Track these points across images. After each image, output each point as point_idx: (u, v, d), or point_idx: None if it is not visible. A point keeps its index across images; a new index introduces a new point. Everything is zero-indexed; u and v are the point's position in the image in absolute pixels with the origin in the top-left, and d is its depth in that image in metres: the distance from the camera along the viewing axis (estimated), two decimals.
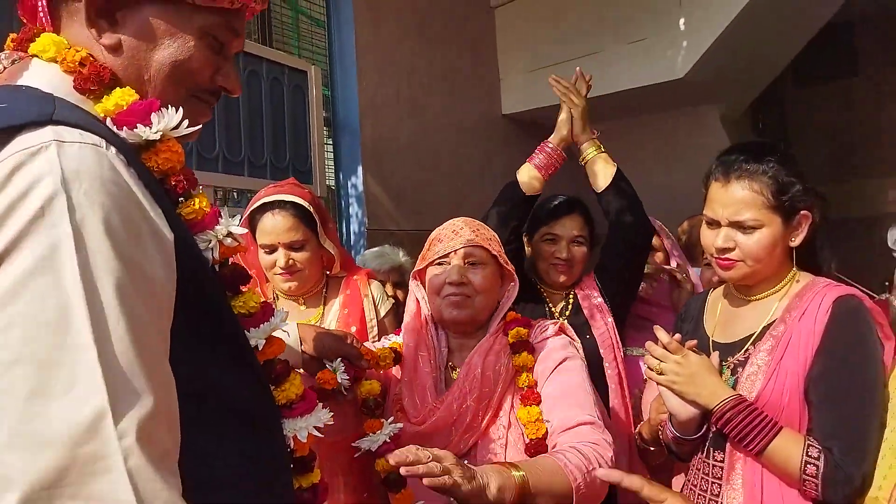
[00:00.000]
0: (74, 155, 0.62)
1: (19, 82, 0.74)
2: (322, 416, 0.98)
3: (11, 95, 0.70)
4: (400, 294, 2.49)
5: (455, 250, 1.43)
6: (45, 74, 0.75)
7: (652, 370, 1.35)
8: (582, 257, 2.01)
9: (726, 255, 1.33)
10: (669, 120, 4.92)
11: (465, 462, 1.31)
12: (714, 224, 1.36)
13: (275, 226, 1.71)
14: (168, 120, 0.75)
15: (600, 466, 1.19)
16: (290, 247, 1.72)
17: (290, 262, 1.72)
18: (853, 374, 1.20)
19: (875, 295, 1.60)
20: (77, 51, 0.75)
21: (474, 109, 4.71)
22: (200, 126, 0.82)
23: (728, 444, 1.30)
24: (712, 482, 1.33)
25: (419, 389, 1.41)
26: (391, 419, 1.36)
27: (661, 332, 1.36)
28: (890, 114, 6.62)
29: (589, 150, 1.98)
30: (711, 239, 1.36)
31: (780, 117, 6.71)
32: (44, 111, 0.64)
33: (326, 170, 3.52)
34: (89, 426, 0.54)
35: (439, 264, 1.45)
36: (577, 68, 2.06)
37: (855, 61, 6.94)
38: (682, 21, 4.13)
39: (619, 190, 1.93)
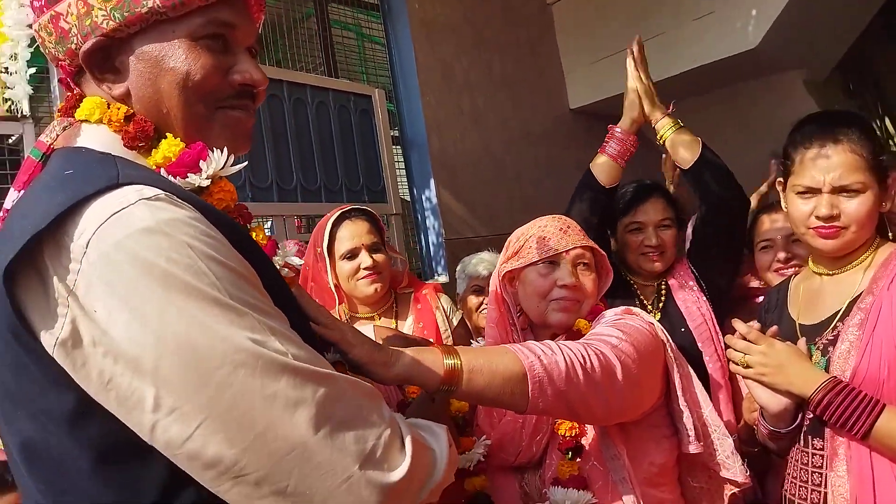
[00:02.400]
0: (162, 206, 0.65)
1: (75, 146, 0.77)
2: None
3: (76, 159, 0.73)
4: None
5: (567, 251, 1.32)
6: (97, 136, 0.77)
7: (737, 364, 1.29)
8: (672, 240, 1.89)
9: (832, 224, 1.26)
10: (748, 92, 4.67)
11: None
12: (811, 192, 1.29)
13: (356, 229, 1.84)
14: (216, 163, 0.77)
15: (586, 361, 1.05)
16: (371, 248, 1.83)
17: (374, 262, 1.81)
18: None
19: None
20: (118, 108, 0.77)
21: (540, 109, 4.67)
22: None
23: (827, 430, 1.23)
24: (813, 472, 1.25)
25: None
26: (483, 436, 1.29)
27: (738, 324, 1.30)
28: None
29: (666, 128, 1.83)
30: (809, 209, 1.29)
31: (873, 75, 6.20)
32: (111, 176, 0.67)
33: (399, 186, 3.60)
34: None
35: (551, 263, 1.32)
36: (637, 38, 1.93)
37: None
38: None
39: (707, 163, 1.77)
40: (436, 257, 3.82)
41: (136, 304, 0.61)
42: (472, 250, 2.92)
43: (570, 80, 4.92)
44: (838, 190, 1.25)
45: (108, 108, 0.78)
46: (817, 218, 1.27)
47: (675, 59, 4.22)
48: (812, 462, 1.26)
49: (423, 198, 3.86)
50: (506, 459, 1.30)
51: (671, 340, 1.28)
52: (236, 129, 0.83)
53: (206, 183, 0.77)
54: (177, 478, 0.65)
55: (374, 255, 1.82)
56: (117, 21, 0.74)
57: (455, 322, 1.93)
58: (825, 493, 1.23)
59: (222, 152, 0.78)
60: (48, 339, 0.63)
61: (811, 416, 1.26)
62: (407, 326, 1.87)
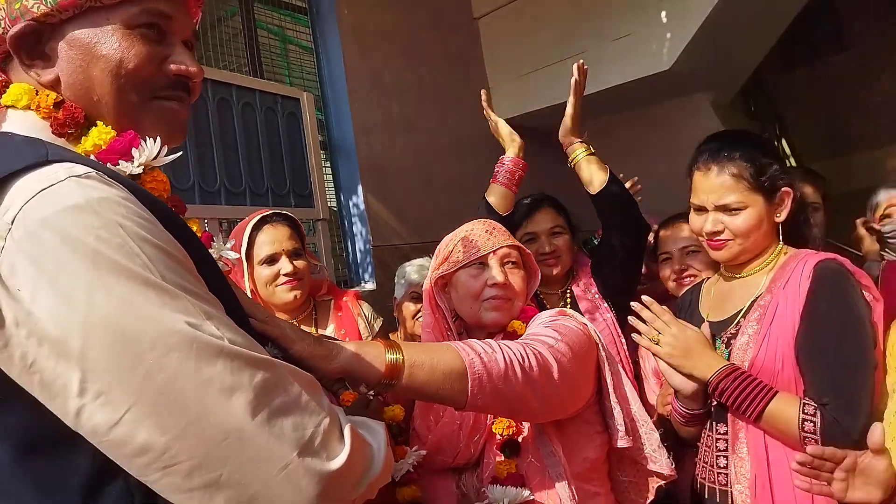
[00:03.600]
0: (93, 185, 0.63)
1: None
2: None
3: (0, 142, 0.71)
4: None
5: (494, 251, 1.36)
6: (24, 122, 0.75)
7: (648, 340, 1.37)
8: (566, 245, 2.03)
9: (717, 238, 1.41)
10: (662, 111, 4.94)
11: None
12: (701, 210, 1.44)
13: (277, 234, 1.81)
14: (148, 152, 0.75)
15: (524, 360, 1.09)
16: (292, 254, 1.81)
17: (294, 269, 1.79)
18: (838, 330, 1.24)
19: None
20: (47, 94, 0.75)
21: (467, 120, 4.75)
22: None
23: (729, 416, 1.33)
24: (717, 455, 1.36)
25: (434, 410, 1.33)
26: (415, 447, 1.29)
27: (654, 304, 1.39)
28: (882, 86, 6.62)
29: (577, 152, 1.91)
30: (700, 224, 1.44)
31: (771, 99, 6.72)
32: (39, 153, 0.65)
33: (327, 192, 3.57)
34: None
35: (480, 265, 1.36)
36: (579, 62, 2.03)
37: (841, 36, 6.95)
38: (663, 14, 4.16)
39: (612, 189, 1.87)
40: (363, 264, 3.80)
41: (63, 284, 0.59)
42: (399, 258, 2.94)
43: (496, 93, 5.02)
44: (721, 208, 1.39)
45: (37, 94, 0.76)
46: (706, 232, 1.42)
47: (595, 78, 4.33)
48: (716, 446, 1.37)
49: (351, 204, 3.84)
50: (444, 461, 1.31)
51: (603, 340, 1.34)
52: (171, 121, 0.81)
53: (137, 171, 0.75)
54: (104, 470, 0.62)
55: (294, 261, 1.80)
56: (49, 6, 0.73)
57: (377, 328, 1.93)
58: (729, 475, 1.33)
59: (155, 142, 0.77)
60: None
61: (715, 403, 1.36)
62: (328, 333, 1.86)
